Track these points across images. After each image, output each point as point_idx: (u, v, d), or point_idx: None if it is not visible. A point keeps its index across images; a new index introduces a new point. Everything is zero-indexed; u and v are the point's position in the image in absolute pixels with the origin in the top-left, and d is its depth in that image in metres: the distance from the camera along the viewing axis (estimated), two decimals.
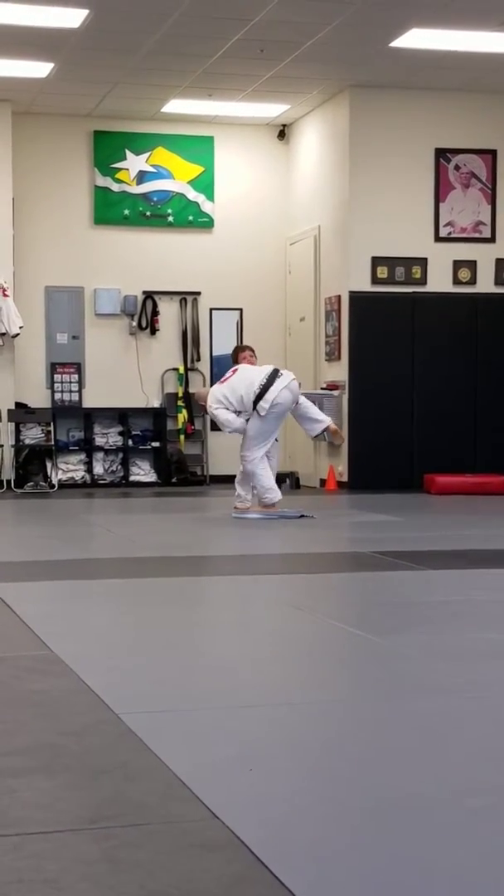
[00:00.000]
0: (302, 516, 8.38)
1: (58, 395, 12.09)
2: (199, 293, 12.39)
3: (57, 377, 12.11)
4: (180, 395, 12.33)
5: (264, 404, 8.26)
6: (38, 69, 10.45)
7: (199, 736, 2.87)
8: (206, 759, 2.65)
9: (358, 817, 2.30)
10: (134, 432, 12.16)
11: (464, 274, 11.32)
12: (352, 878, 2.01)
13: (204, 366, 12.50)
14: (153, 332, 12.34)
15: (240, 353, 9.15)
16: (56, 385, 12.09)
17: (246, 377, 8.47)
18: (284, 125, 12.40)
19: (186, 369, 12.39)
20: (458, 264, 11.29)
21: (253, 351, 9.19)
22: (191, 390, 9.01)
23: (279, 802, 2.38)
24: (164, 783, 2.47)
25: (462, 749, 2.76)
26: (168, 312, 12.40)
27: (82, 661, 3.62)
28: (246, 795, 2.41)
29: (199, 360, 12.46)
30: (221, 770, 2.58)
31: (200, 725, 2.96)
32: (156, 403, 12.32)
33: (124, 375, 12.23)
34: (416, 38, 9.61)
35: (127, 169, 12.20)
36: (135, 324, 12.30)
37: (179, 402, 12.31)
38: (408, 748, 2.77)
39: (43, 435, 11.73)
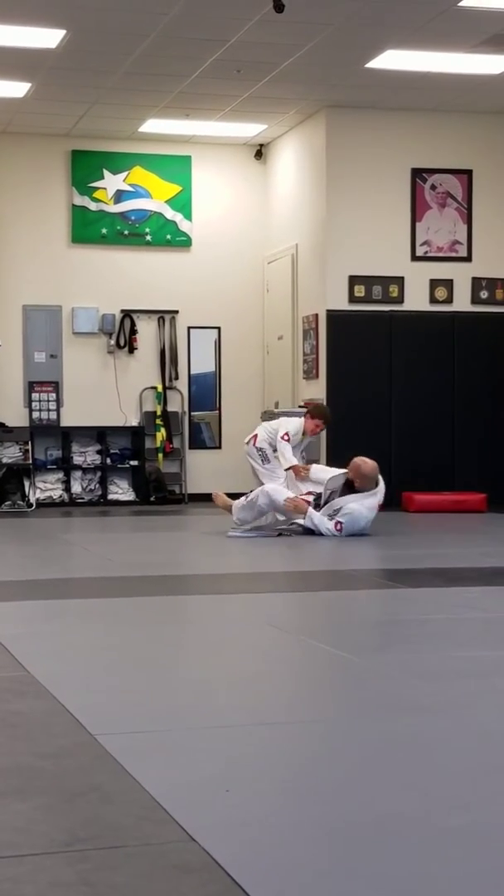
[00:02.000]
0: (280, 534, 8.38)
1: (36, 414, 12.06)
2: (177, 312, 12.41)
3: (35, 396, 12.08)
4: (158, 413, 12.32)
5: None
6: (16, 89, 10.46)
7: (176, 757, 2.85)
8: (183, 781, 2.64)
9: (336, 838, 2.29)
10: (112, 451, 12.14)
11: (440, 293, 11.38)
12: None
13: (182, 384, 12.50)
14: (131, 350, 12.34)
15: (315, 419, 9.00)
16: (34, 404, 12.07)
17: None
18: (261, 145, 12.45)
19: (165, 388, 12.39)
20: (434, 283, 11.36)
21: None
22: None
23: (256, 824, 2.37)
24: (141, 805, 2.46)
25: (442, 768, 2.75)
26: (146, 331, 12.40)
27: (59, 681, 3.60)
28: (223, 817, 2.40)
29: (177, 378, 12.47)
30: (198, 791, 2.56)
31: (178, 746, 2.94)
32: (134, 422, 12.31)
33: (102, 394, 12.22)
34: (392, 59, 9.68)
35: (105, 188, 12.22)
36: (113, 342, 12.30)
37: (158, 421, 12.30)
38: (387, 768, 2.77)
39: (21, 454, 11.69)
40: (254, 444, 9.19)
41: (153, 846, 2.23)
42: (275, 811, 2.46)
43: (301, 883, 2.07)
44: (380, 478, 8.32)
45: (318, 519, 8.20)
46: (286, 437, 8.80)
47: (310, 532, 8.26)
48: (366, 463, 8.22)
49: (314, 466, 8.87)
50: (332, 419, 9.16)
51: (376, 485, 8.26)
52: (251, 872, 2.09)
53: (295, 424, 8.92)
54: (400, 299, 11.28)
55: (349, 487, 8.27)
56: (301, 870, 2.13)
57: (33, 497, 11.56)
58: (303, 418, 9.04)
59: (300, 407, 11.31)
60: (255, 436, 9.22)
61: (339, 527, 8.15)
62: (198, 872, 2.10)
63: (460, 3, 8.41)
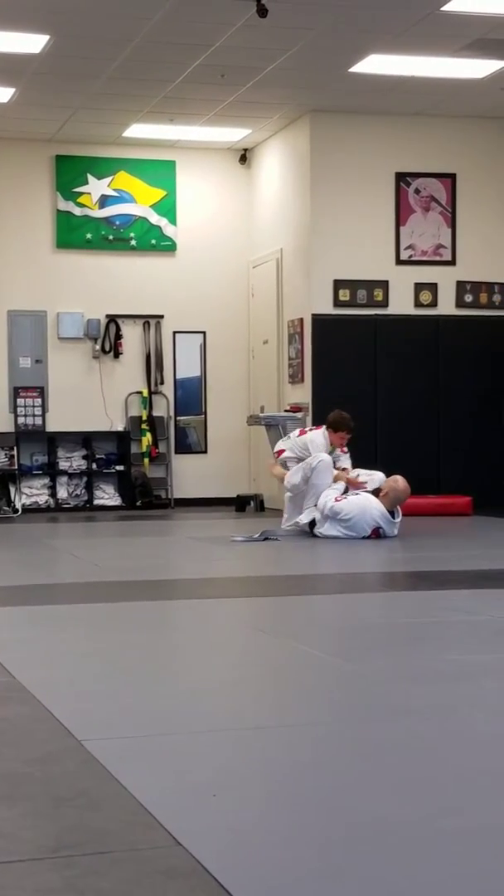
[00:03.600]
0: (266, 539, 8.38)
1: (21, 420, 12.03)
2: (162, 316, 12.40)
3: (20, 401, 12.06)
4: (144, 418, 12.31)
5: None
6: (0, 94, 10.45)
7: (163, 762, 2.85)
8: (170, 786, 2.63)
9: (325, 843, 2.29)
10: (98, 456, 12.12)
11: (425, 296, 11.41)
12: None
13: (168, 389, 12.49)
14: (116, 355, 12.33)
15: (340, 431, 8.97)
16: (19, 409, 12.04)
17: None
18: (246, 149, 12.46)
19: (150, 392, 12.38)
20: (419, 287, 11.38)
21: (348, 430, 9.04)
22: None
23: (244, 829, 2.37)
24: (128, 810, 2.45)
25: (431, 771, 2.76)
26: (131, 336, 12.39)
27: (45, 687, 3.59)
28: (210, 822, 2.40)
29: (162, 383, 12.46)
30: (186, 796, 2.56)
31: (165, 751, 2.94)
32: (120, 427, 12.29)
33: (88, 399, 12.20)
34: (375, 64, 9.70)
35: (89, 193, 12.20)
36: (98, 347, 12.28)
37: (143, 426, 12.29)
38: (376, 772, 2.77)
39: (6, 459, 11.67)
40: (277, 457, 9.21)
41: (140, 851, 2.22)
42: (263, 816, 2.45)
43: (288, 887, 2.07)
44: (399, 511, 8.44)
45: (329, 492, 8.41)
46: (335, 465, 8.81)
47: (309, 535, 8.40)
48: (404, 485, 8.35)
49: (354, 471, 8.86)
50: (354, 426, 9.05)
51: (395, 514, 8.40)
52: (238, 877, 2.09)
53: (321, 443, 8.86)
54: (385, 303, 11.30)
55: (374, 495, 8.44)
56: (289, 874, 2.12)
57: (19, 503, 11.53)
58: (324, 434, 8.97)
59: (286, 411, 11.33)
60: (280, 451, 9.22)
61: (339, 499, 8.33)
62: (185, 877, 2.09)
63: (443, 8, 8.43)
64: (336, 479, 8.60)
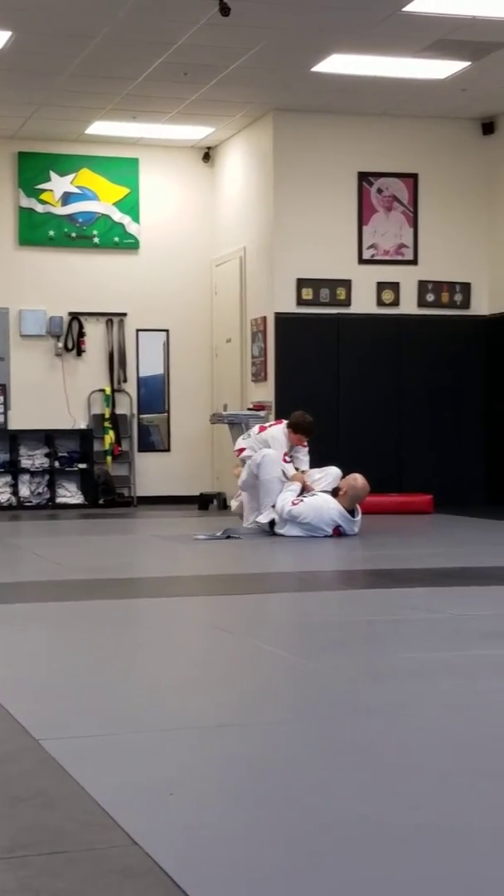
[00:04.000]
0: (228, 537, 8.39)
1: None
2: (125, 314, 12.38)
3: None
4: (107, 416, 12.28)
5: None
6: None
7: (122, 761, 2.85)
8: (128, 785, 2.63)
9: (283, 841, 2.30)
10: (60, 454, 12.08)
11: (387, 296, 11.46)
12: None
13: (131, 387, 12.47)
14: (79, 353, 12.29)
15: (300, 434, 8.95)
16: None
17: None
18: (209, 148, 12.46)
19: (113, 390, 12.36)
20: (381, 286, 11.43)
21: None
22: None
23: (201, 828, 2.38)
24: (85, 810, 2.45)
25: (389, 769, 2.77)
26: (94, 333, 12.36)
27: (3, 686, 3.58)
28: (167, 821, 2.40)
29: (125, 381, 12.44)
30: (144, 796, 2.56)
31: (124, 750, 2.94)
32: (82, 425, 12.26)
33: (50, 397, 12.15)
34: (338, 64, 9.73)
35: (52, 190, 12.16)
36: (61, 345, 12.24)
37: (106, 424, 12.26)
38: (335, 770, 2.78)
39: None
40: (238, 455, 9.21)
41: (96, 851, 2.22)
42: (221, 815, 2.46)
43: (245, 886, 2.08)
44: (359, 509, 8.44)
45: (286, 494, 8.38)
46: (287, 459, 8.79)
47: (270, 533, 8.39)
48: (363, 483, 8.36)
49: (309, 471, 8.86)
50: (314, 430, 9.05)
51: (355, 512, 8.40)
52: (195, 876, 2.09)
53: (283, 440, 8.88)
54: (347, 302, 11.34)
55: (333, 494, 8.43)
56: (245, 873, 2.13)
57: None
58: (284, 430, 8.98)
59: (249, 409, 11.34)
60: (241, 449, 9.22)
61: (297, 502, 8.34)
62: (141, 877, 2.10)
63: (405, 9, 8.47)
64: (293, 479, 8.60)
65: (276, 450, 8.77)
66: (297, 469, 8.77)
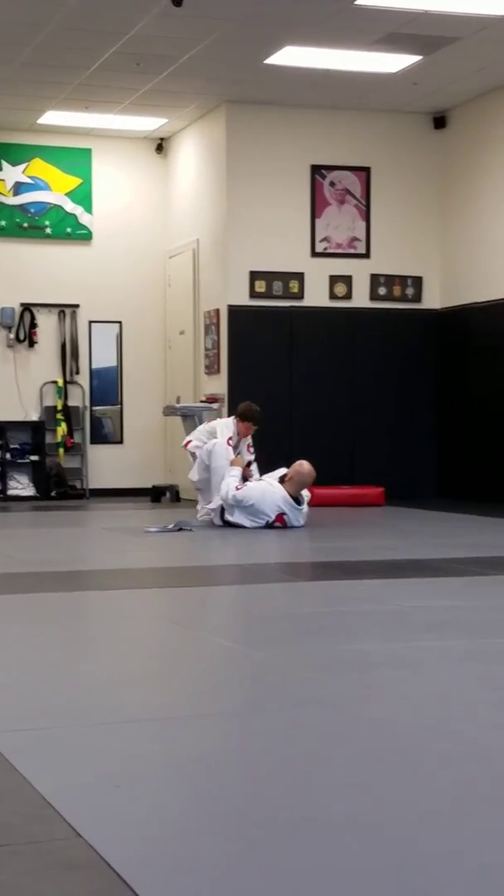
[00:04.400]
0: (180, 529, 8.39)
1: None
2: (77, 306, 12.32)
3: None
4: (59, 408, 12.22)
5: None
6: None
7: (68, 754, 2.85)
8: (73, 778, 2.63)
9: (227, 833, 2.31)
10: (12, 446, 12.01)
11: (340, 289, 11.50)
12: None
13: (83, 379, 12.42)
14: (31, 344, 12.22)
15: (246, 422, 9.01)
16: None
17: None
18: (162, 139, 12.42)
19: (66, 382, 12.30)
20: (334, 279, 11.46)
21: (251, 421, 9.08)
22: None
23: (146, 820, 2.38)
24: (29, 803, 2.45)
25: (334, 760, 2.79)
26: (46, 325, 12.29)
27: None
28: (112, 814, 2.41)
29: (78, 372, 12.38)
30: (89, 788, 2.56)
31: (70, 743, 2.93)
32: (34, 417, 12.19)
33: (2, 388, 12.07)
34: (291, 56, 9.74)
35: (3, 180, 12.06)
36: (12, 336, 12.16)
37: (58, 416, 12.20)
38: (280, 761, 2.80)
39: None
40: (185, 448, 9.26)
41: (40, 844, 2.22)
42: (166, 807, 2.47)
43: (189, 878, 2.09)
44: (305, 495, 8.46)
45: (228, 480, 8.43)
46: (230, 442, 8.86)
47: (222, 525, 8.44)
48: (309, 468, 8.41)
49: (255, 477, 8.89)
50: (261, 420, 9.11)
51: (301, 500, 8.42)
52: (138, 868, 2.10)
53: (231, 428, 8.97)
54: (300, 295, 11.37)
55: (280, 482, 8.48)
56: (189, 865, 2.14)
57: None
58: (234, 421, 9.06)
59: (202, 402, 11.34)
60: (188, 442, 9.27)
61: (240, 487, 8.39)
62: (84, 869, 2.10)
63: (357, 2, 8.49)
64: (232, 464, 8.65)
65: (222, 434, 8.84)
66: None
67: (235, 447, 8.95)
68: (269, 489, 8.42)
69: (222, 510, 8.57)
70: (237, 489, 8.42)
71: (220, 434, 8.92)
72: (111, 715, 3.22)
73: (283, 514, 8.38)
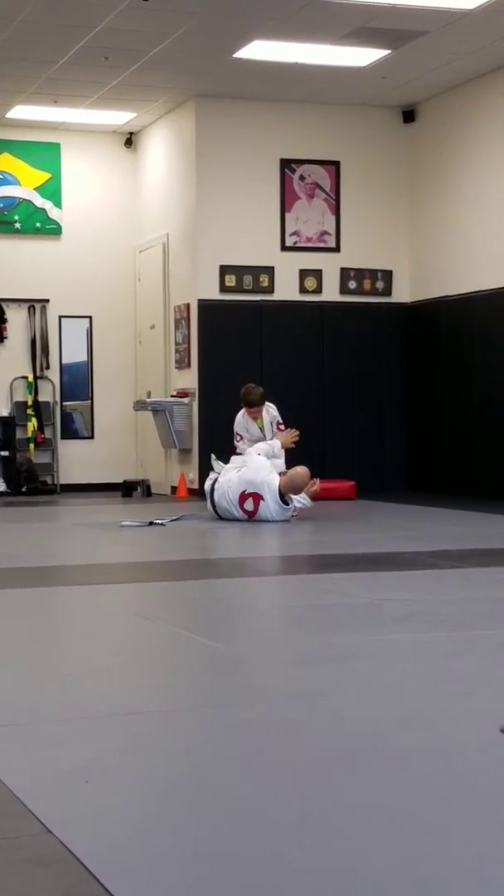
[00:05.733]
0: (151, 524, 8.38)
1: None
2: (47, 300, 12.27)
3: None
4: (30, 403, 12.18)
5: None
6: None
7: (37, 749, 2.84)
8: (42, 773, 2.63)
9: (196, 827, 2.31)
10: None
11: (310, 283, 11.51)
12: (186, 892, 2.03)
13: (53, 374, 12.38)
14: (1, 339, 12.17)
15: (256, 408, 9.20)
16: None
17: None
18: (131, 133, 12.39)
19: (36, 377, 12.25)
20: (304, 273, 11.48)
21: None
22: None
23: (115, 815, 2.38)
24: None
25: (303, 754, 2.80)
26: (16, 320, 12.23)
27: None
28: (81, 809, 2.40)
29: (48, 368, 12.34)
30: (58, 784, 2.56)
31: (40, 738, 2.93)
32: (4, 412, 12.14)
33: None
34: (259, 50, 9.74)
35: None
36: None
37: (29, 411, 12.16)
38: (252, 755, 2.80)
39: None
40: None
41: (8, 840, 2.22)
42: (136, 802, 2.47)
43: (159, 874, 2.09)
44: (292, 501, 8.53)
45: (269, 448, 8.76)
46: (238, 438, 9.15)
47: (198, 520, 8.53)
48: (304, 471, 8.50)
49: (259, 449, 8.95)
50: (251, 395, 9.26)
51: (289, 501, 8.48)
52: (107, 863, 2.10)
53: (240, 423, 9.26)
54: (270, 289, 11.37)
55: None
56: (159, 861, 2.14)
57: None
58: (243, 414, 9.29)
59: (172, 396, 11.33)
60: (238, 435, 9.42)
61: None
62: (53, 865, 2.10)
63: None
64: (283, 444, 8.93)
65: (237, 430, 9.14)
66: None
67: (262, 432, 9.13)
68: (269, 470, 8.48)
69: (212, 494, 8.56)
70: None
71: (236, 427, 9.13)
72: (80, 710, 3.22)
73: (262, 498, 8.38)
